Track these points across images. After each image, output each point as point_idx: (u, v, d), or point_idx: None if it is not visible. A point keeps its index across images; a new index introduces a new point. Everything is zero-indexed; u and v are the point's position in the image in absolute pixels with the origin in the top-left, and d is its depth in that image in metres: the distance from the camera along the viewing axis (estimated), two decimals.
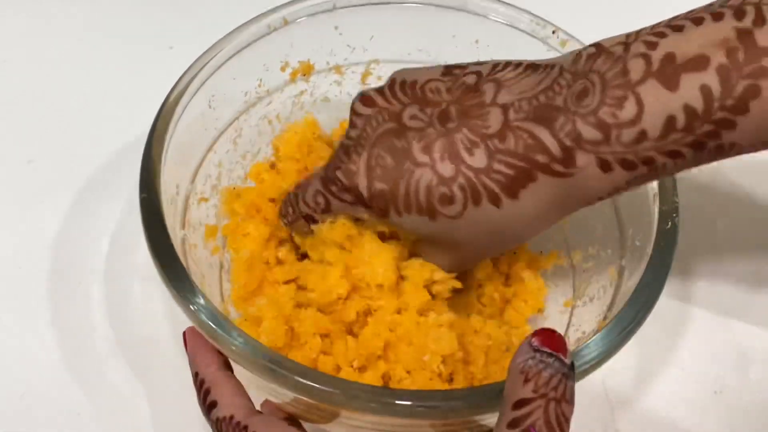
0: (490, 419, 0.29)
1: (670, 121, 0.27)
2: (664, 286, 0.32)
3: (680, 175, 0.35)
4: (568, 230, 0.42)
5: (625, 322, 0.31)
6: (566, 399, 0.25)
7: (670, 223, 0.34)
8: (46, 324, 0.43)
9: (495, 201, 0.31)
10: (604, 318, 0.34)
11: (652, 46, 0.28)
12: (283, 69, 0.42)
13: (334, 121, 0.45)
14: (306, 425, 0.32)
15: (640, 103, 0.28)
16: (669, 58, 0.27)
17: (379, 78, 0.44)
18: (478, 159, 0.31)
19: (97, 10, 0.59)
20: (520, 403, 0.25)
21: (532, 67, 0.32)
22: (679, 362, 0.43)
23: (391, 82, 0.35)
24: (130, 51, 0.56)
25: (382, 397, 0.28)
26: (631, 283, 0.33)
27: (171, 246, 0.32)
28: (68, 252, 0.46)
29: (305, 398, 0.29)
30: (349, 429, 0.33)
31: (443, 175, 0.31)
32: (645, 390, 0.42)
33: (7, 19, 0.58)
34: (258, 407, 0.32)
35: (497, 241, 0.34)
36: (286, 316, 0.36)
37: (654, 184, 0.35)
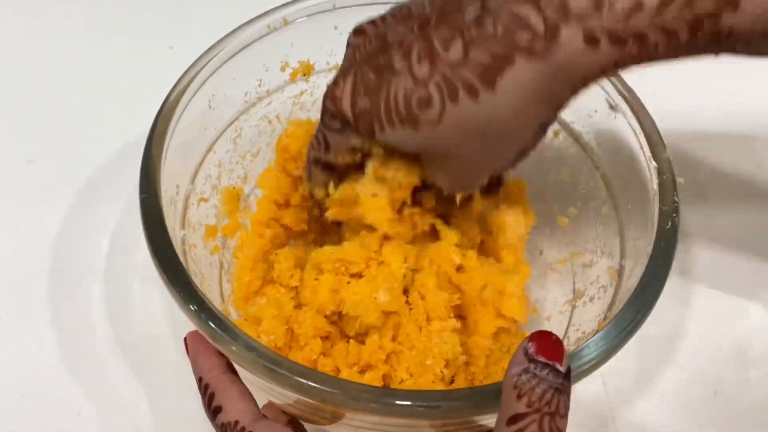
0: (490, 419, 0.29)
1: None
2: (664, 286, 0.32)
3: (681, 175, 0.35)
4: (568, 230, 0.42)
5: (625, 322, 0.31)
6: (560, 413, 0.25)
7: (670, 223, 0.34)
8: (46, 324, 0.43)
9: (472, 93, 0.29)
10: (604, 318, 0.34)
11: None
12: (283, 69, 0.42)
13: None
14: (308, 426, 0.32)
15: None
16: None
17: None
18: (454, 52, 0.29)
19: (97, 10, 0.59)
20: (514, 419, 0.25)
21: None
22: (679, 362, 0.43)
23: (386, 12, 0.34)
24: (130, 51, 0.56)
25: (382, 398, 0.28)
26: (631, 283, 0.33)
27: (171, 246, 0.32)
28: (68, 252, 0.46)
29: (306, 399, 0.29)
30: (351, 430, 0.33)
31: (419, 78, 0.29)
32: (645, 390, 0.42)
33: (7, 19, 0.58)
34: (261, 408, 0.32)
35: (486, 146, 0.31)
36: (286, 316, 0.36)
37: (654, 185, 0.35)
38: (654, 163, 0.35)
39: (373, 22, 0.34)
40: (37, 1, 0.59)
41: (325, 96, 0.33)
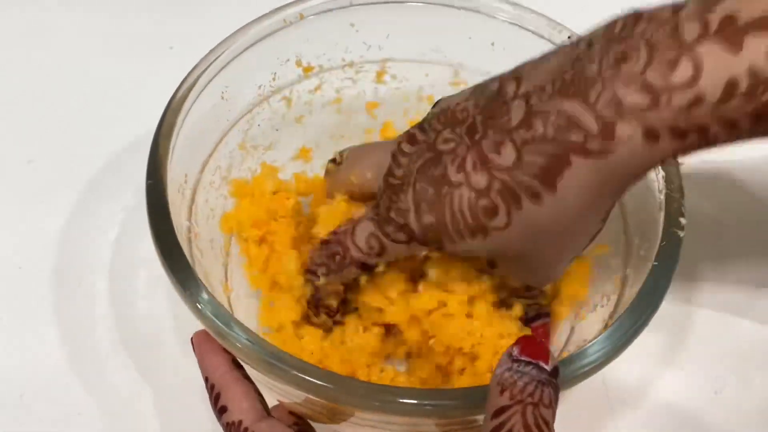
0: None
1: (731, 84, 0.24)
2: (665, 295, 0.32)
3: (685, 177, 0.35)
4: None
5: (626, 327, 0.31)
6: (544, 403, 0.25)
7: (674, 234, 0.34)
8: (47, 324, 0.42)
9: (534, 197, 0.29)
10: (606, 327, 0.34)
11: (708, 7, 0.25)
12: (297, 64, 0.42)
13: (345, 118, 0.45)
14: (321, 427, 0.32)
15: (697, 64, 0.24)
16: (729, 19, 0.24)
17: (393, 76, 0.44)
18: (507, 156, 0.29)
19: (98, 10, 0.59)
20: (498, 412, 0.25)
21: (554, 51, 0.30)
22: (679, 362, 0.43)
23: (431, 115, 0.34)
24: (130, 51, 0.56)
25: (383, 395, 0.28)
26: (633, 291, 0.33)
27: (175, 238, 0.32)
28: (69, 252, 0.45)
29: (307, 396, 0.29)
30: (359, 429, 0.33)
31: (479, 188, 0.30)
32: (645, 390, 0.42)
33: (7, 19, 0.58)
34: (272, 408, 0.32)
35: (558, 241, 0.31)
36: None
37: (661, 193, 0.35)
38: (662, 172, 0.35)
39: (421, 128, 0.34)
40: (37, 1, 0.59)
41: (389, 208, 0.33)
